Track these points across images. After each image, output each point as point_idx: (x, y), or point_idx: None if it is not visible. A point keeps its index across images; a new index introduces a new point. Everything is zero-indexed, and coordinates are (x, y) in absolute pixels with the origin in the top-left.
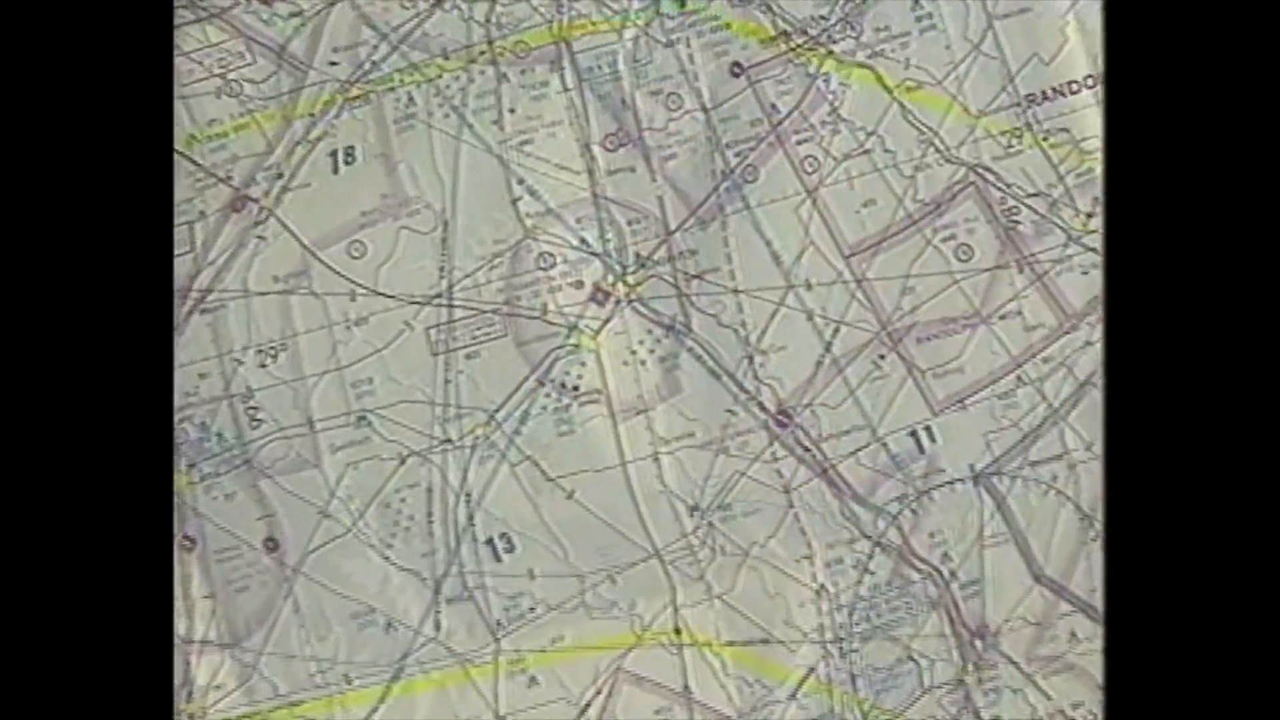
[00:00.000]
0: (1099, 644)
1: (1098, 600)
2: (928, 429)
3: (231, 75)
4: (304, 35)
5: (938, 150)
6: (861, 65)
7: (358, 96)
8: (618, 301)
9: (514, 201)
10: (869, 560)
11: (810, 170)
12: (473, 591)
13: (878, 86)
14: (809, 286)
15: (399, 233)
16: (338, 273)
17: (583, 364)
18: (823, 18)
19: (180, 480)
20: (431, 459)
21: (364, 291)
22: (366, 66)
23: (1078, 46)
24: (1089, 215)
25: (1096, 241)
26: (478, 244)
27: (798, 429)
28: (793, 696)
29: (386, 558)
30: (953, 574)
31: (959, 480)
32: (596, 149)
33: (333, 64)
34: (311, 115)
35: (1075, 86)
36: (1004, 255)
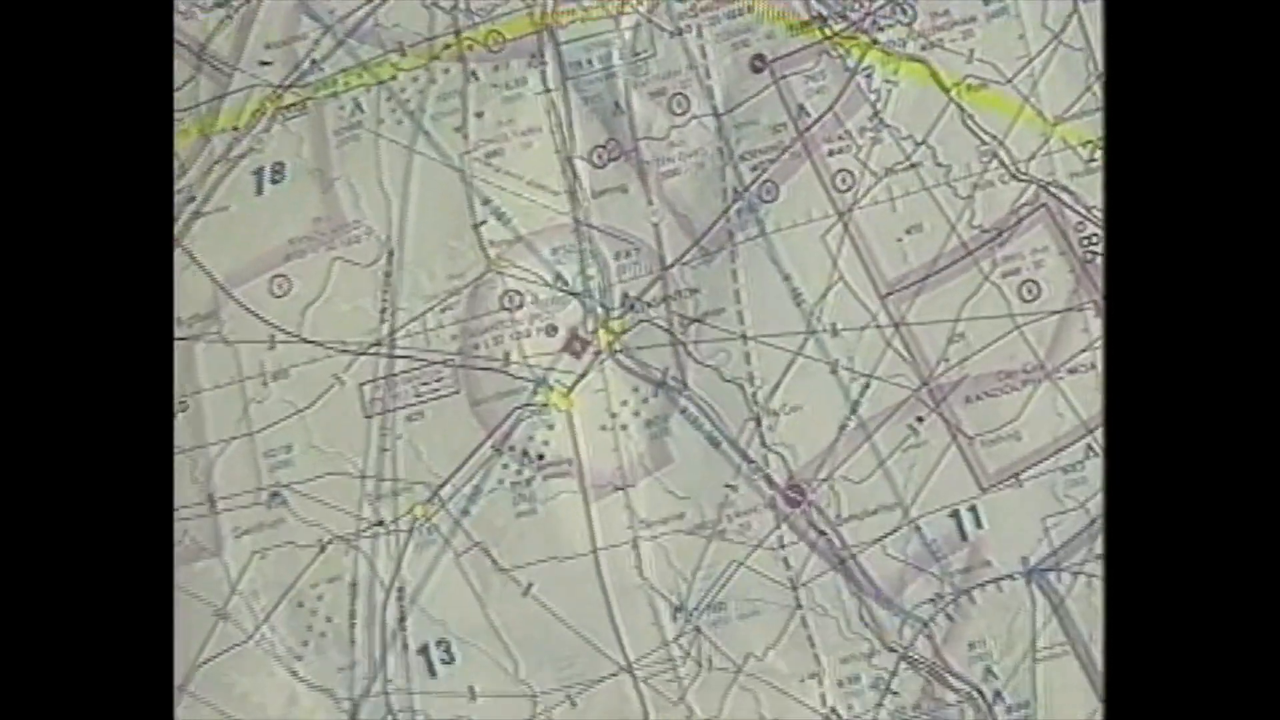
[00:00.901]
0: None
1: None
2: (973, 510)
3: None
4: (230, 30)
5: (1003, 164)
6: (913, 58)
7: (293, 104)
8: (597, 352)
9: (476, 227)
10: (892, 678)
11: (843, 187)
12: (398, 715)
13: (932, 85)
14: (834, 332)
15: (332, 265)
16: (254, 314)
17: (550, 427)
18: None
19: None
20: (358, 546)
21: (286, 337)
22: (305, 66)
23: None
24: None
25: None
26: (429, 279)
27: (811, 508)
28: None
29: (295, 672)
30: (998, 695)
31: (1008, 576)
32: (581, 164)
33: (264, 64)
34: (235, 129)
35: None
36: (1078, 294)
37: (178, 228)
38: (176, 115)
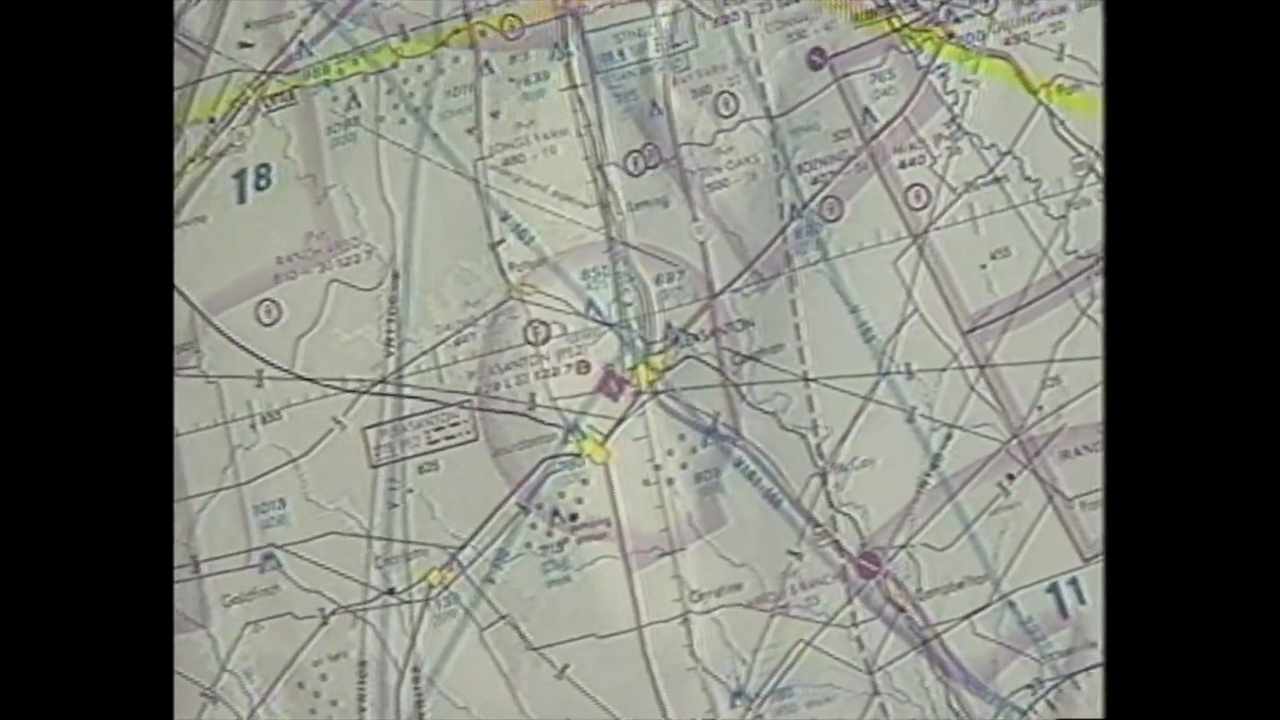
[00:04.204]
0: None
1: None
2: (1073, 583)
3: None
4: (204, 5)
5: (1100, 178)
6: (995, 55)
7: (278, 94)
8: (637, 393)
9: (493, 246)
10: None
11: (917, 205)
12: None
13: (1017, 86)
14: (910, 374)
15: (329, 289)
16: (239, 345)
17: (584, 482)
18: None
19: None
20: (365, 617)
21: (276, 373)
22: (292, 50)
23: None
24: None
25: None
26: (440, 307)
27: (888, 580)
28: None
29: None
30: None
31: None
32: (614, 172)
33: (244, 46)
34: (211, 120)
35: None
36: None
37: None
38: None
